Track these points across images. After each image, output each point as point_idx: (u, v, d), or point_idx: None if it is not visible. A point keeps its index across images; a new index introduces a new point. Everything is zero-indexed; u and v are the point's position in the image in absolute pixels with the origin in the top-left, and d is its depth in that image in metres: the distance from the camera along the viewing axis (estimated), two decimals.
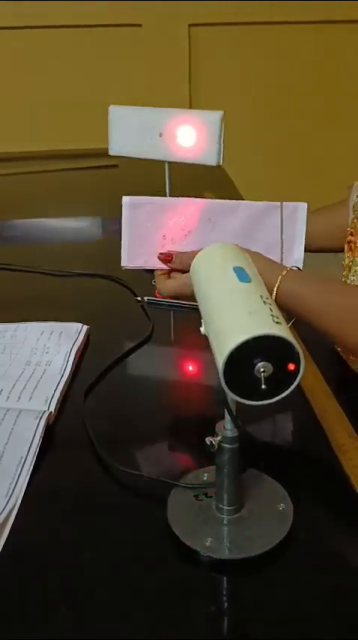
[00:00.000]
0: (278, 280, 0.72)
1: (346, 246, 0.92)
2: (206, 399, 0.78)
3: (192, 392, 0.81)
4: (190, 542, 0.55)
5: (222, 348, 0.45)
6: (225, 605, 0.52)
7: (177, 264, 0.81)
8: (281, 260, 0.82)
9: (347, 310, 0.72)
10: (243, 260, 0.55)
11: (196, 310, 0.58)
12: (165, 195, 1.13)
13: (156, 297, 0.97)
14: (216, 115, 0.99)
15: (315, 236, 0.90)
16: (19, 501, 0.60)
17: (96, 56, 2.66)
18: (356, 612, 0.50)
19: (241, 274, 0.51)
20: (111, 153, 1.12)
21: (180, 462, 0.65)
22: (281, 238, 0.83)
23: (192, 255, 0.75)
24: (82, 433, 0.70)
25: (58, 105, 2.69)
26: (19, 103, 2.68)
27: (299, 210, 0.83)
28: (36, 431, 0.68)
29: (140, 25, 2.62)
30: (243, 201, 0.86)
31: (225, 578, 0.54)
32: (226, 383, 0.45)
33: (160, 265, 0.82)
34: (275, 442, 0.70)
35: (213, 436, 0.55)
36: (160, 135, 1.03)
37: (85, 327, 0.90)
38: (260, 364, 0.45)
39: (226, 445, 0.54)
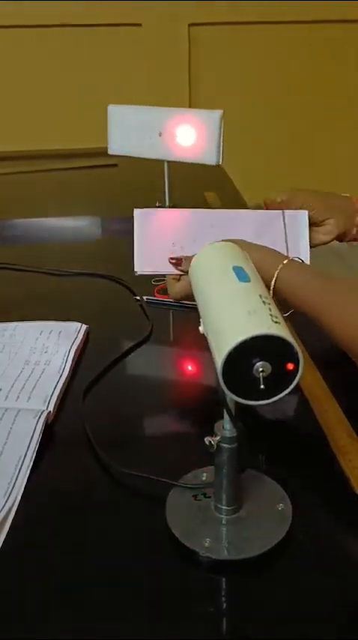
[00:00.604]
0: (279, 267, 0.73)
1: None
2: (205, 399, 0.78)
3: (191, 391, 0.81)
4: (189, 542, 0.55)
5: (221, 348, 0.45)
6: (224, 605, 0.52)
7: (186, 267, 0.82)
8: None
9: (346, 315, 0.71)
10: (242, 259, 0.55)
11: (195, 310, 0.58)
12: (164, 195, 1.13)
13: (154, 296, 0.97)
14: (215, 114, 0.99)
15: None
16: (18, 500, 0.60)
17: (96, 56, 2.66)
18: (355, 613, 0.50)
19: (240, 274, 0.51)
20: (110, 152, 1.13)
21: (179, 462, 0.65)
22: (286, 245, 0.84)
23: None
24: (81, 433, 0.70)
25: (58, 104, 2.69)
26: (18, 102, 2.68)
27: (300, 218, 0.85)
28: (35, 430, 0.68)
29: (140, 25, 2.62)
30: (247, 210, 0.89)
31: (223, 578, 0.54)
32: (225, 383, 0.45)
33: (171, 271, 0.85)
34: (274, 442, 0.69)
35: (212, 436, 0.54)
36: (160, 134, 1.03)
37: (84, 327, 0.90)
38: (258, 364, 0.44)
39: (225, 445, 0.54)
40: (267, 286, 0.70)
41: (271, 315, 0.46)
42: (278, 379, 0.46)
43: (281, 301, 0.72)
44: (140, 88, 2.58)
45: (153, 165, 1.12)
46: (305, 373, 0.47)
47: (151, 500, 0.61)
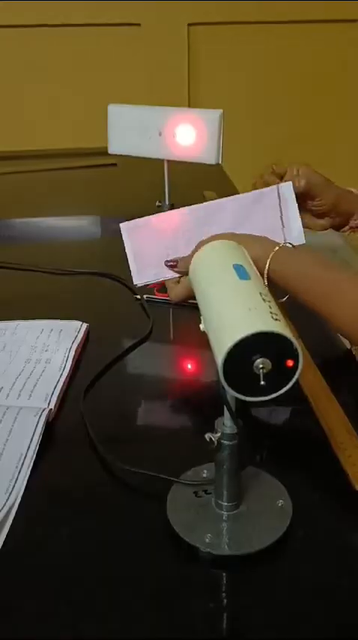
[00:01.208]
0: (275, 250, 0.74)
1: None
2: (205, 396, 0.78)
3: (192, 389, 0.82)
4: (190, 538, 0.55)
5: (222, 345, 0.45)
6: (225, 601, 0.52)
7: (182, 268, 0.84)
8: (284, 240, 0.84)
9: (332, 293, 0.72)
10: (242, 257, 0.55)
11: (195, 308, 0.58)
12: (164, 194, 1.13)
13: (154, 295, 0.98)
14: (215, 114, 0.99)
15: None
16: (19, 498, 0.60)
17: (95, 56, 2.66)
18: (355, 608, 0.50)
19: (241, 272, 0.52)
20: (110, 151, 1.13)
21: (180, 459, 0.65)
22: (282, 221, 0.85)
23: (192, 256, 0.80)
24: (82, 430, 0.70)
25: (57, 104, 2.70)
26: (17, 101, 2.68)
27: (285, 190, 0.85)
28: (36, 428, 0.68)
29: (139, 25, 2.62)
30: (229, 197, 0.88)
31: (224, 574, 0.54)
32: (225, 379, 0.46)
33: (170, 275, 0.86)
34: (274, 439, 0.70)
35: (213, 433, 0.55)
36: (160, 134, 1.04)
37: (85, 325, 0.90)
38: (259, 360, 0.45)
39: (225, 442, 0.55)
40: (261, 276, 0.71)
41: (271, 312, 0.46)
42: (278, 376, 0.46)
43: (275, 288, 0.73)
44: (139, 88, 2.58)
45: (153, 165, 1.12)
46: (304, 370, 0.47)
47: (152, 497, 0.61)
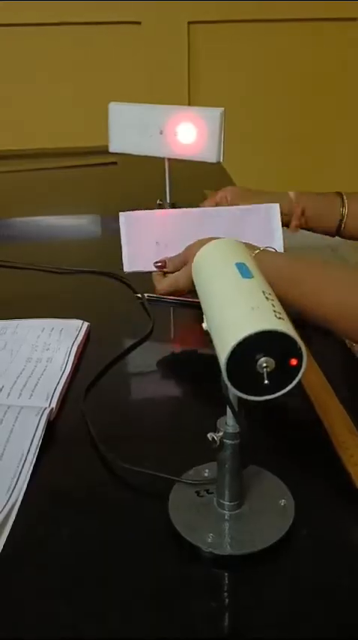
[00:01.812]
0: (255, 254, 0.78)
1: None
2: (207, 395, 0.78)
3: (193, 387, 0.81)
4: (192, 538, 0.55)
5: (225, 344, 0.45)
6: (227, 601, 0.52)
7: (171, 268, 0.89)
8: None
9: (316, 289, 0.74)
10: (244, 256, 0.55)
11: (197, 306, 0.58)
12: (165, 193, 1.13)
13: (155, 293, 0.97)
14: (216, 112, 0.99)
15: (355, 220, 0.96)
16: (21, 498, 0.60)
17: (95, 54, 2.66)
18: None
19: (243, 270, 0.51)
20: (111, 150, 1.13)
21: (181, 458, 0.65)
22: (268, 235, 0.92)
23: (181, 256, 0.87)
24: (83, 430, 0.70)
25: (57, 102, 2.69)
26: (17, 100, 2.68)
27: (271, 211, 0.92)
28: (37, 428, 0.68)
29: (139, 23, 2.61)
30: (223, 207, 0.96)
31: (226, 573, 0.54)
32: (228, 378, 0.45)
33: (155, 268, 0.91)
34: (276, 438, 0.70)
35: (215, 432, 0.55)
36: (161, 132, 1.03)
37: (86, 324, 0.90)
38: (262, 359, 0.45)
39: (228, 441, 0.54)
40: None
41: (275, 311, 0.46)
42: (282, 375, 0.46)
43: None
44: (139, 86, 2.58)
45: (153, 163, 1.12)
46: (306, 369, 0.47)
47: (153, 497, 0.61)
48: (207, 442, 0.55)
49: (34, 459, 0.65)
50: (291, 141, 2.85)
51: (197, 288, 0.59)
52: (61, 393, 0.75)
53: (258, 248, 0.78)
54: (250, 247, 0.79)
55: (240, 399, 0.50)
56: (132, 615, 0.50)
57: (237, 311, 0.47)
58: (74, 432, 0.71)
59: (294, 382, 0.46)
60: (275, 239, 0.91)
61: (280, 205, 0.94)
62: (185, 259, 0.85)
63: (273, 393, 0.47)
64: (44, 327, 0.89)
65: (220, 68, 2.75)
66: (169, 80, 2.67)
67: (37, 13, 2.54)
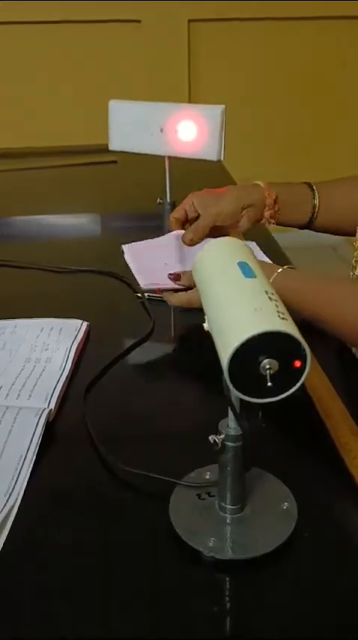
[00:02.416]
0: (274, 276, 0.76)
1: None
2: (209, 397, 0.77)
3: (195, 389, 0.81)
4: (193, 542, 0.54)
5: (227, 345, 0.44)
6: (228, 605, 0.51)
7: (185, 282, 0.88)
8: None
9: (343, 314, 0.74)
10: (247, 256, 0.54)
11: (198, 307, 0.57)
12: (165, 192, 1.13)
13: (156, 293, 0.97)
14: (217, 110, 0.98)
15: (328, 212, 0.93)
16: (19, 499, 0.59)
17: (95, 52, 2.65)
18: None
19: (246, 270, 0.50)
20: (111, 148, 1.12)
21: (182, 461, 0.64)
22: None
23: None
24: (83, 431, 0.69)
25: (57, 101, 2.68)
26: (17, 98, 2.67)
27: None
28: (36, 428, 0.67)
29: (139, 22, 2.61)
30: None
31: (228, 578, 0.53)
32: (231, 380, 0.45)
33: (171, 284, 0.90)
34: (278, 441, 0.69)
35: (217, 435, 0.54)
36: (161, 130, 1.02)
37: (85, 324, 0.89)
38: (265, 361, 0.44)
39: (229, 443, 0.54)
40: None
41: (278, 311, 0.45)
42: (285, 376, 0.45)
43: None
44: (140, 85, 2.57)
45: (153, 162, 1.12)
46: (309, 372, 0.46)
47: (154, 499, 0.60)
48: (208, 444, 0.54)
49: (33, 460, 0.64)
50: (292, 139, 2.85)
51: (198, 288, 0.58)
52: (60, 394, 0.75)
53: (281, 267, 0.77)
54: (273, 266, 0.79)
55: (242, 400, 0.49)
56: (132, 617, 0.49)
57: (239, 311, 0.46)
58: (73, 433, 0.70)
59: (298, 384, 0.45)
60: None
61: (252, 197, 0.92)
62: None
63: (276, 396, 0.46)
64: (43, 327, 0.88)
65: (220, 66, 2.74)
66: (169, 78, 2.67)
67: (38, 12, 2.53)
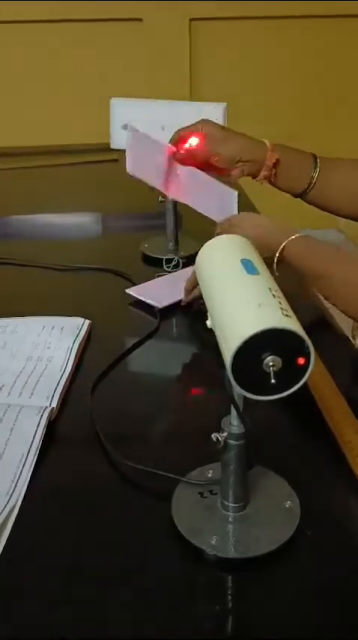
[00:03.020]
0: (288, 239, 0.78)
1: None
2: (212, 395, 0.77)
3: (198, 387, 0.80)
4: (195, 540, 0.54)
5: (230, 342, 0.44)
6: (231, 604, 0.51)
7: (189, 285, 0.90)
8: None
9: (349, 284, 0.76)
10: (250, 252, 0.53)
11: (201, 304, 0.57)
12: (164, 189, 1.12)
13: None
14: (219, 107, 0.98)
15: (324, 188, 0.94)
16: (21, 498, 0.59)
17: (96, 51, 2.64)
18: None
19: (249, 267, 0.50)
20: (113, 146, 1.12)
21: (184, 459, 0.64)
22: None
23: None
24: (84, 429, 0.69)
25: (59, 99, 2.68)
26: (18, 97, 2.67)
27: (230, 197, 0.94)
28: (37, 427, 0.67)
29: (141, 20, 2.60)
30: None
31: (230, 577, 0.53)
32: (234, 377, 0.44)
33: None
34: (281, 439, 0.69)
35: (219, 432, 0.53)
36: (163, 128, 1.02)
37: (87, 322, 0.88)
38: (269, 358, 0.43)
39: (232, 441, 0.53)
40: (273, 255, 0.78)
41: (282, 308, 0.45)
42: (289, 374, 0.45)
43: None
44: (141, 83, 2.56)
45: None
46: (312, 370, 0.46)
47: (157, 498, 0.60)
48: (211, 442, 0.54)
49: (35, 459, 0.64)
50: (292, 137, 2.82)
51: (201, 285, 0.58)
52: (61, 392, 0.74)
53: (298, 231, 0.79)
54: (289, 230, 0.79)
55: (245, 398, 0.49)
56: (134, 616, 0.49)
57: (242, 308, 0.46)
58: (75, 432, 0.70)
59: (302, 381, 0.45)
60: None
61: (254, 153, 0.93)
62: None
63: (280, 393, 0.45)
64: (45, 326, 0.88)
65: (222, 65, 2.73)
66: (171, 77, 2.66)
67: (39, 11, 2.52)
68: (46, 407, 0.70)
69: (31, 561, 0.54)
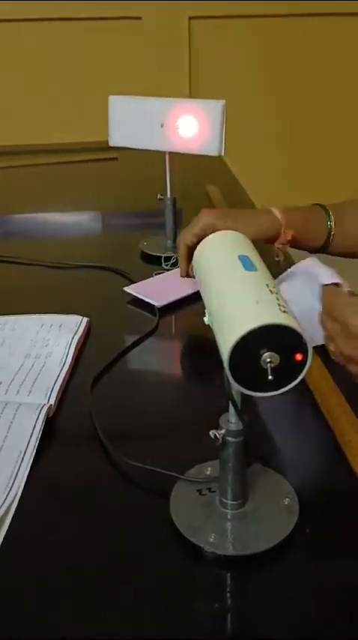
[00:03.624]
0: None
1: None
2: (210, 392, 0.76)
3: (196, 384, 0.80)
4: (194, 538, 0.54)
5: (228, 338, 0.44)
6: (229, 601, 0.51)
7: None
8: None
9: None
10: (247, 248, 0.53)
11: (200, 300, 0.56)
12: (165, 187, 1.12)
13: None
14: (218, 104, 0.97)
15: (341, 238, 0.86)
16: (19, 496, 0.59)
17: (96, 49, 2.64)
18: None
19: (246, 263, 0.50)
20: (111, 144, 1.11)
21: (183, 456, 0.64)
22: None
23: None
24: (83, 426, 0.69)
25: (58, 98, 2.68)
26: (18, 96, 2.66)
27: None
28: (35, 424, 0.67)
29: (140, 18, 2.60)
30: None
31: (229, 574, 0.52)
32: (232, 374, 0.44)
33: (182, 294, 0.93)
34: (280, 436, 0.68)
35: (217, 429, 0.53)
36: (161, 125, 1.02)
37: (85, 320, 0.88)
38: (266, 354, 0.43)
39: (230, 439, 0.53)
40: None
41: (279, 304, 0.45)
42: (287, 370, 0.45)
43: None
44: (140, 82, 2.56)
45: (154, 159, 1.11)
46: (311, 367, 0.45)
47: (155, 495, 0.60)
48: (209, 439, 0.53)
49: (33, 456, 0.64)
50: (292, 135, 2.84)
51: (198, 281, 0.57)
52: (60, 390, 0.74)
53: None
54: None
55: (243, 395, 0.48)
56: (133, 615, 0.49)
57: (240, 305, 0.46)
58: (74, 429, 0.70)
59: (299, 378, 0.45)
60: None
61: (268, 232, 0.82)
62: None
63: (278, 389, 0.45)
64: (43, 323, 0.88)
65: (221, 63, 2.73)
66: (170, 75, 2.66)
67: (39, 9, 2.52)
68: (44, 404, 0.70)
69: (30, 558, 0.54)
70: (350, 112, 2.86)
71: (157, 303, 0.92)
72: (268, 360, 0.43)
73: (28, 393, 0.73)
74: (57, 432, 0.68)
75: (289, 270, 0.69)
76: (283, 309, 0.45)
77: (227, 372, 0.44)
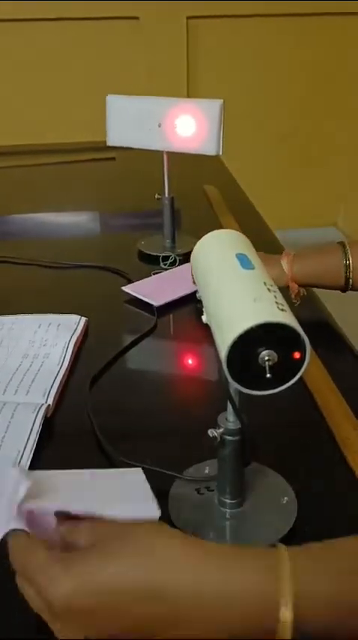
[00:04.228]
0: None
1: None
2: (208, 391, 0.76)
3: (194, 383, 0.80)
4: (192, 537, 0.53)
5: (226, 336, 0.43)
6: None
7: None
8: None
9: None
10: (245, 247, 0.53)
11: (198, 300, 0.56)
12: (163, 187, 1.12)
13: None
14: (216, 104, 0.97)
15: None
16: None
17: (93, 49, 2.64)
18: None
19: (244, 261, 0.50)
20: (109, 143, 1.11)
21: (181, 455, 0.64)
22: None
23: None
24: (81, 426, 0.69)
25: (56, 98, 2.67)
26: (16, 96, 2.66)
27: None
28: (33, 424, 0.67)
29: (137, 18, 2.60)
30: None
31: None
32: (230, 372, 0.44)
33: (180, 294, 0.92)
34: (278, 435, 0.68)
35: (216, 428, 0.53)
36: (159, 125, 1.02)
37: (84, 319, 0.88)
38: (264, 352, 0.43)
39: (229, 437, 0.53)
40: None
41: (277, 302, 0.45)
42: (285, 368, 0.45)
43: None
44: (138, 82, 2.56)
45: (152, 158, 1.11)
46: (308, 365, 0.45)
47: (153, 494, 0.59)
48: (207, 439, 0.53)
49: (31, 456, 0.63)
50: (290, 135, 2.84)
51: (196, 280, 0.57)
52: (57, 390, 0.74)
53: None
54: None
55: (241, 393, 0.48)
56: None
57: (238, 303, 0.46)
58: (71, 429, 0.70)
59: (298, 376, 0.45)
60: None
61: (272, 277, 0.77)
62: None
63: (276, 388, 0.45)
64: (41, 323, 0.88)
65: (219, 63, 2.73)
66: (168, 75, 2.66)
67: (36, 9, 2.52)
68: (42, 404, 0.70)
69: None
70: (350, 113, 2.86)
71: (155, 302, 0.92)
72: (266, 358, 0.43)
73: (26, 392, 0.73)
74: (55, 432, 0.68)
75: None
76: (281, 307, 0.44)
77: (225, 370, 0.44)
